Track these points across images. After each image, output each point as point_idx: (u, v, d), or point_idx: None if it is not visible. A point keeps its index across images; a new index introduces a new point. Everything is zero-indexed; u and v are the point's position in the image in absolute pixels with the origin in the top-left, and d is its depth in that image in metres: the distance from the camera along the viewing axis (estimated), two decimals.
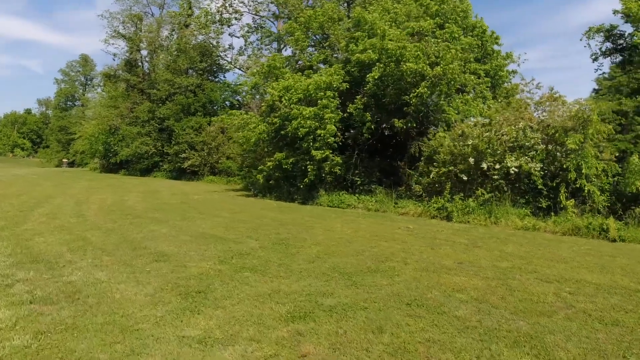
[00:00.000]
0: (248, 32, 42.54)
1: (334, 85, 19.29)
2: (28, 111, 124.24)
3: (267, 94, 22.23)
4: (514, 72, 27.30)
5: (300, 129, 18.51)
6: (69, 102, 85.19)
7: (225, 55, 45.30)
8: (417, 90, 17.14)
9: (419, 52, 17.44)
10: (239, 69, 44.45)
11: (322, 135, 18.37)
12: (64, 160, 68.11)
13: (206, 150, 35.88)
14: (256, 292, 6.19)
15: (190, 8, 46.18)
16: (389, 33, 17.89)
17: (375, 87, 18.71)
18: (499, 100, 23.86)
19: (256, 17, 42.69)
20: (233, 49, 58.59)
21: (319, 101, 18.80)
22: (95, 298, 5.74)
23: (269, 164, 20.53)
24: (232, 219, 13.43)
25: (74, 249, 8.42)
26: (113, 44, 51.53)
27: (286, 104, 19.71)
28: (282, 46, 41.12)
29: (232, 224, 12.35)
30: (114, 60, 54.69)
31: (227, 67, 45.11)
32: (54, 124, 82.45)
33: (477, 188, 16.30)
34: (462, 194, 16.43)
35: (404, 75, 17.32)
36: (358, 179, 19.48)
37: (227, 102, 42.22)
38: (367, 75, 18.61)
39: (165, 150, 39.51)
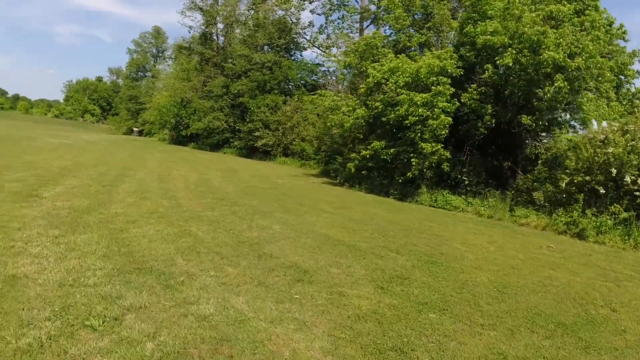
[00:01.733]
0: (330, 9, 40.53)
1: (448, 71, 17.07)
2: (99, 79, 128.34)
3: (365, 75, 20.31)
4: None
5: (410, 117, 16.47)
6: (140, 73, 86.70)
7: (304, 33, 43.51)
8: (556, 84, 14.65)
9: (560, 40, 14.91)
10: (318, 47, 42.74)
11: (433, 126, 16.26)
12: (134, 128, 69.18)
13: (281, 130, 34.43)
14: (470, 355, 4.36)
15: None
16: (525, 16, 15.41)
17: (496, 77, 16.38)
18: (624, 103, 20.92)
19: None
20: (313, 26, 56.58)
21: (432, 87, 16.63)
22: (256, 356, 3.97)
23: (363, 152, 18.64)
24: (342, 217, 11.68)
25: (185, 251, 6.74)
26: (189, 16, 50.79)
27: (392, 87, 17.71)
28: (366, 26, 38.98)
29: (349, 224, 10.59)
30: (189, 32, 54.24)
31: (305, 45, 43.42)
32: (125, 93, 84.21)
33: (612, 204, 13.77)
34: (595, 209, 13.98)
35: (541, 65, 14.87)
36: (466, 178, 17.29)
37: (302, 82, 40.55)
38: (488, 63, 16.33)
39: (237, 127, 38.45)
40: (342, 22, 41.02)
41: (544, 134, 18.72)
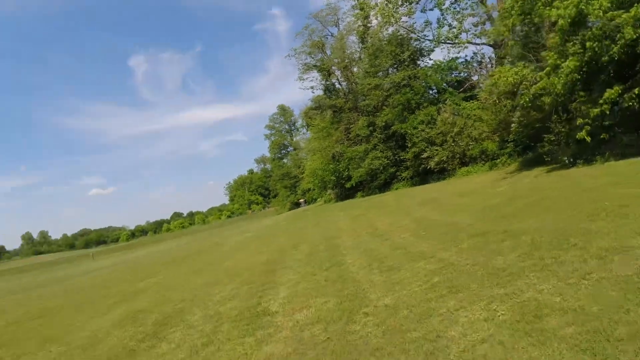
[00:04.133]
0: None
1: None
2: (250, 171, 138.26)
3: (547, 24, 15.91)
4: None
5: None
6: (282, 151, 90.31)
7: (425, 35, 39.89)
8: None
9: None
10: (445, 42, 38.64)
11: None
12: (300, 200, 70.81)
13: (449, 140, 30.49)
14: None
15: (363, 9, 42.53)
16: None
17: None
18: None
19: None
20: (431, 23, 52.79)
21: None
22: None
23: (593, 111, 13.99)
24: None
25: None
26: (306, 78, 50.54)
27: (597, 13, 13.14)
28: None
29: None
30: (312, 92, 54.34)
31: (431, 47, 39.61)
32: (276, 174, 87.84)
33: None
34: None
35: None
36: None
37: (445, 84, 36.45)
38: None
39: (400, 157, 35.45)
40: (458, 5, 36.64)
41: None
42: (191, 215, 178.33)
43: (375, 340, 4.64)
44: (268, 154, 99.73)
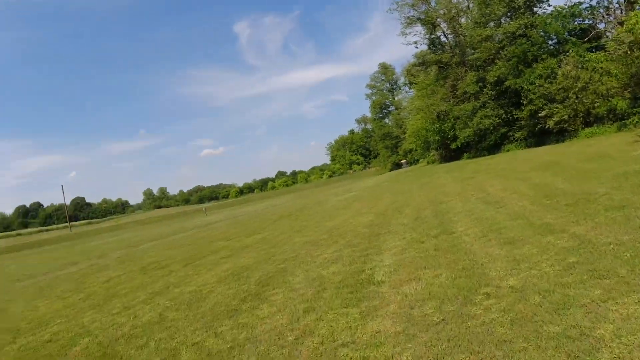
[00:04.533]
0: None
1: None
2: (351, 131, 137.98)
3: None
4: None
5: None
6: (384, 111, 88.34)
7: None
8: None
9: None
10: None
11: None
12: (402, 161, 69.55)
13: (571, 97, 27.40)
14: None
15: None
16: None
17: None
18: None
19: None
20: None
21: None
22: None
23: None
24: None
25: None
26: (409, 32, 47.89)
27: None
28: None
29: None
30: (416, 48, 51.82)
31: None
32: (377, 134, 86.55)
33: None
34: None
35: None
36: None
37: (567, 32, 32.49)
38: None
39: (514, 116, 32.75)
40: None
41: None
42: (294, 174, 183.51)
43: (502, 330, 3.94)
44: (369, 114, 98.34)
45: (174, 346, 5.71)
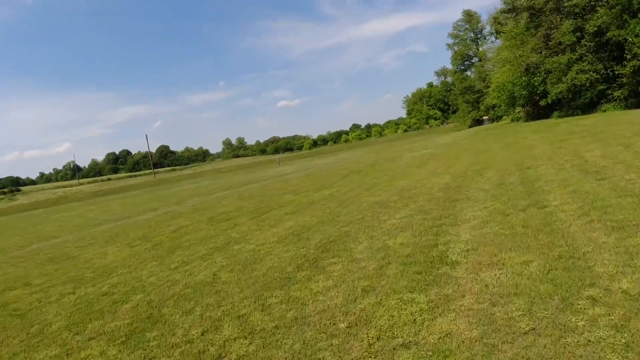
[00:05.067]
0: None
1: None
2: (430, 84, 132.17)
3: None
4: None
5: None
6: (466, 62, 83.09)
7: None
8: None
9: None
10: None
11: None
12: (484, 117, 65.72)
13: None
14: None
15: None
16: None
17: None
18: None
19: None
20: None
21: None
22: None
23: None
24: None
25: None
26: None
27: None
28: None
29: None
30: None
31: None
32: (458, 87, 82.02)
33: None
34: None
35: None
36: None
37: None
38: None
39: (615, 72, 29.16)
40: None
41: None
42: (368, 127, 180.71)
43: (613, 357, 2.98)
44: (450, 66, 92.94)
45: (218, 316, 5.23)
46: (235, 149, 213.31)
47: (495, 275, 4.73)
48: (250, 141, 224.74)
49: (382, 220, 8.77)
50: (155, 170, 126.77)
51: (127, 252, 11.07)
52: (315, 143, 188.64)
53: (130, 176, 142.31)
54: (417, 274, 5.26)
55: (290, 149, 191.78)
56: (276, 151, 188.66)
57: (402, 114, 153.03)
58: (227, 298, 5.84)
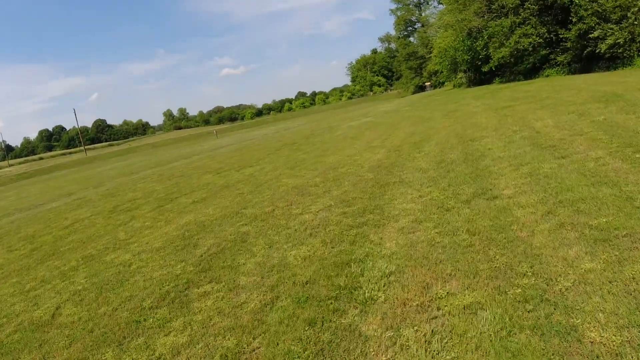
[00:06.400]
0: None
1: None
2: (374, 51, 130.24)
3: None
4: None
5: None
6: (409, 28, 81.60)
7: None
8: None
9: None
10: None
11: None
12: (426, 83, 64.94)
13: (630, 18, 22.92)
14: None
15: None
16: None
17: None
18: None
19: None
20: None
21: None
22: None
23: None
24: None
25: None
26: None
27: None
28: None
29: None
30: None
31: None
32: (401, 54, 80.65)
33: None
34: None
35: None
36: None
37: None
38: None
39: (559, 36, 28.25)
40: None
41: None
42: (314, 95, 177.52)
43: None
44: (394, 32, 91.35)
45: None
46: (177, 120, 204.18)
47: (425, 335, 2.93)
48: (193, 112, 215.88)
49: (292, 216, 6.90)
50: (90, 146, 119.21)
51: (0, 259, 8.71)
52: (260, 112, 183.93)
53: (64, 154, 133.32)
54: (309, 325, 3.41)
55: (235, 119, 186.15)
56: (220, 121, 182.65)
57: (347, 81, 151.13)
58: (46, 358, 3.83)
